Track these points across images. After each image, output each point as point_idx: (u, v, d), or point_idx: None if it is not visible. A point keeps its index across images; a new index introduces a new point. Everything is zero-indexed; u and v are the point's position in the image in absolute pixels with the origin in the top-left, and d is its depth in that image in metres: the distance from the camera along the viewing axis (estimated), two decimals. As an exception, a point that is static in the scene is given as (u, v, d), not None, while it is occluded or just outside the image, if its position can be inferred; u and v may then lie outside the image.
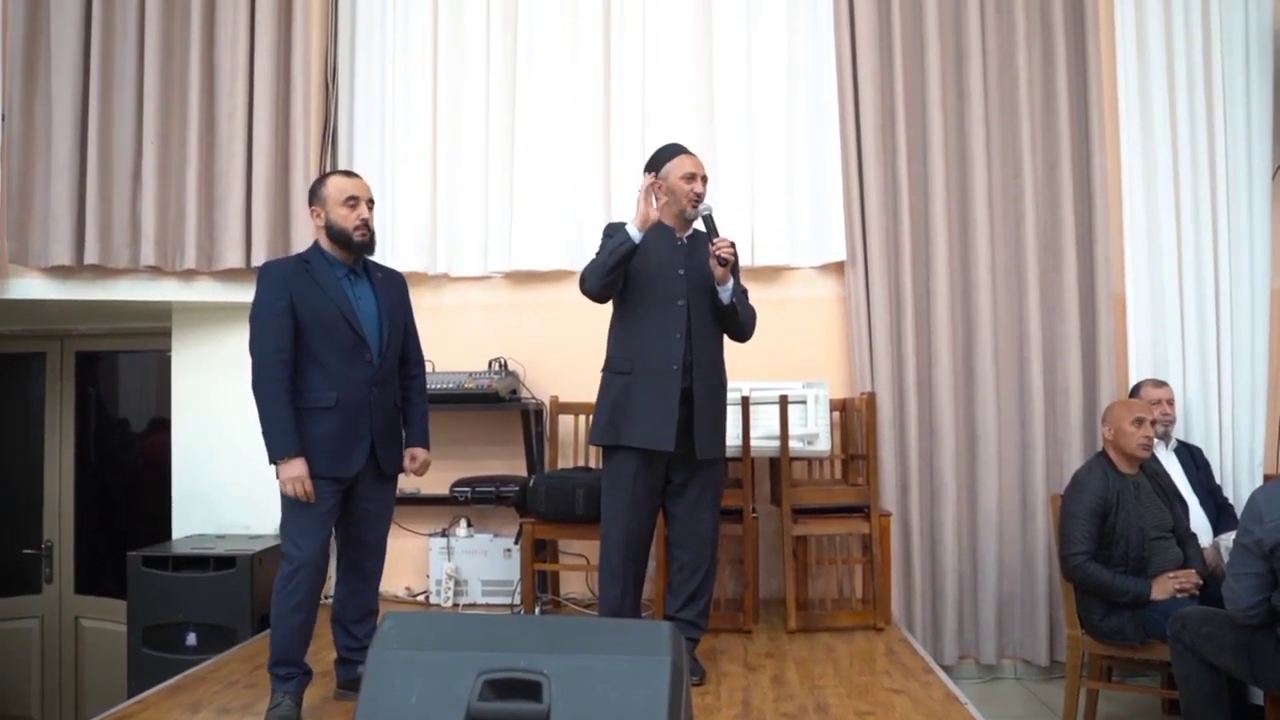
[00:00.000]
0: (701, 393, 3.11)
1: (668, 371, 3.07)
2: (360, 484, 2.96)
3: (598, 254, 3.15)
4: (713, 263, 3.06)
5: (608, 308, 3.22)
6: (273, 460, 2.78)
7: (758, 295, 3.39)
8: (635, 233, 3.01)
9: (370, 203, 2.98)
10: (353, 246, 2.94)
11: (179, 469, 4.55)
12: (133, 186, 4.21)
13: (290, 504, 2.83)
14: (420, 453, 3.17)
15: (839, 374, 4.33)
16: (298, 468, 2.76)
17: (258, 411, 2.79)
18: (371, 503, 3.02)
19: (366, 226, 2.94)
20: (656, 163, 3.21)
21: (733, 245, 3.07)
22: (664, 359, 3.08)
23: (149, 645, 3.95)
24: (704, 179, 3.19)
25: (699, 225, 3.19)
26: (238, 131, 4.24)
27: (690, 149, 3.24)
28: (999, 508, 4.19)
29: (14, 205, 4.10)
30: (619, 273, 3.06)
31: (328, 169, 4.42)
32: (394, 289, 3.10)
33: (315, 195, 2.97)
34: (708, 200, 3.17)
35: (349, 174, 3.13)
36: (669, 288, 3.11)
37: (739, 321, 3.20)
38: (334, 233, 2.92)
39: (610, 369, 3.18)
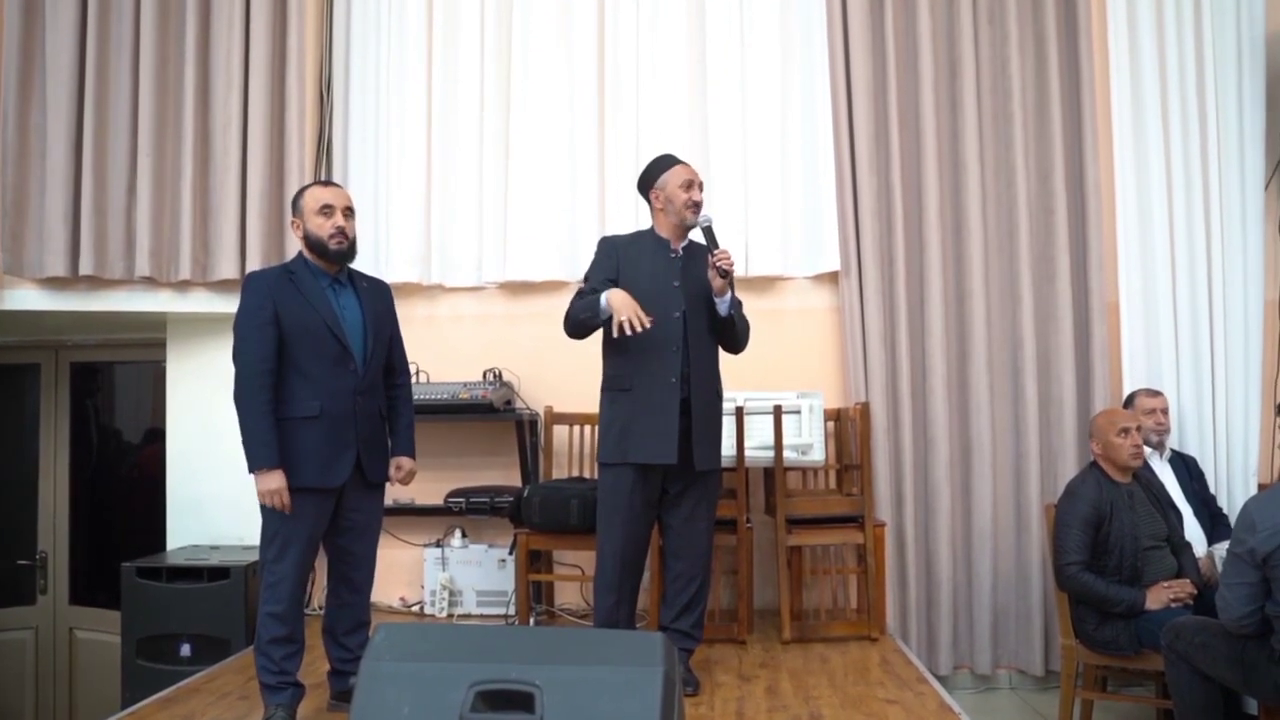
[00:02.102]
0: (699, 404, 3.11)
1: (667, 384, 3.07)
2: (347, 494, 2.95)
3: (579, 299, 3.14)
4: (712, 274, 3.05)
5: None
6: (252, 470, 2.78)
7: (752, 305, 3.39)
8: (605, 307, 2.99)
9: (347, 211, 2.96)
10: (329, 255, 2.92)
11: (173, 480, 4.54)
12: (128, 198, 4.22)
13: (272, 516, 2.82)
14: (406, 462, 3.15)
15: (833, 384, 4.33)
16: (276, 480, 2.75)
17: (239, 421, 2.79)
18: (359, 513, 3.00)
19: (343, 234, 2.92)
20: (651, 175, 3.23)
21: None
22: (662, 372, 3.07)
23: (143, 656, 3.95)
24: (700, 186, 3.20)
25: (697, 236, 3.19)
26: (232, 143, 4.26)
27: (682, 158, 3.25)
28: (993, 517, 4.19)
29: (9, 216, 4.11)
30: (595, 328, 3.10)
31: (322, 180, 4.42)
32: (379, 298, 3.09)
33: (295, 207, 2.98)
34: (706, 211, 3.17)
35: (327, 183, 3.16)
36: (665, 300, 3.09)
37: (735, 333, 3.20)
38: (311, 242, 2.93)
39: (611, 387, 3.17)
